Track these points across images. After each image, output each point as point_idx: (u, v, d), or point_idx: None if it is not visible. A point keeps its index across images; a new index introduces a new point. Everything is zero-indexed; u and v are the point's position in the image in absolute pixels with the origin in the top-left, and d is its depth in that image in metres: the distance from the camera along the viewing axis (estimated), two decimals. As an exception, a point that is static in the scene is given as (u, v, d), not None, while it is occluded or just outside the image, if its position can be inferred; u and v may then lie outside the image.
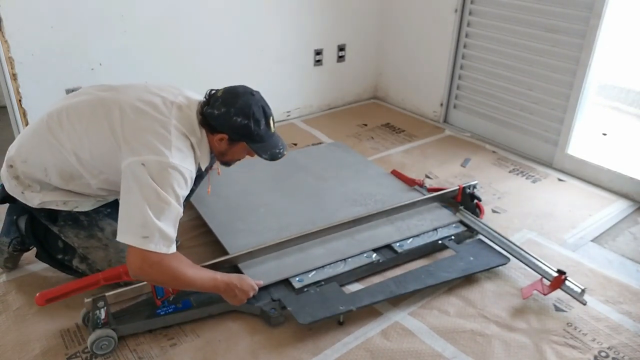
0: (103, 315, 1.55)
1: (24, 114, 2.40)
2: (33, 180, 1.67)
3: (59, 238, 1.79)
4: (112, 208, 1.79)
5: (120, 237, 1.46)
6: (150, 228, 1.44)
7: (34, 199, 1.68)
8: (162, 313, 1.65)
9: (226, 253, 1.88)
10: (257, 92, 1.69)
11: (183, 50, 2.77)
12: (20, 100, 2.37)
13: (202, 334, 1.66)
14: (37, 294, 1.54)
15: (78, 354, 1.58)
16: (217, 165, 1.92)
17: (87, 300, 1.53)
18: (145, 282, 1.62)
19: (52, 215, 1.73)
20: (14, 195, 1.71)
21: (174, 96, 1.66)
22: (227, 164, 1.81)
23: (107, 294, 1.55)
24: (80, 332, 1.65)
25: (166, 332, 1.66)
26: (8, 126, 2.54)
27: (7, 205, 1.86)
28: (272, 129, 1.70)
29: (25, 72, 2.34)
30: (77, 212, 1.74)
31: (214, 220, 2.08)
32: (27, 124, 2.42)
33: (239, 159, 1.80)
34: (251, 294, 1.67)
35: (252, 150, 1.69)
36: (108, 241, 1.75)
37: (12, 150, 1.72)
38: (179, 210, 1.52)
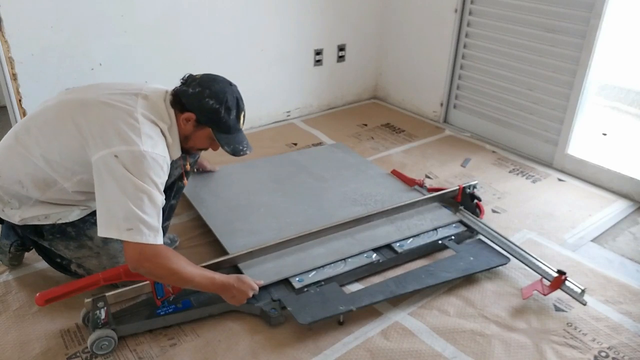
0: (103, 315, 1.55)
1: (24, 114, 2.40)
2: (11, 196, 1.65)
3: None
4: None
5: (102, 232, 1.44)
6: (132, 220, 1.43)
7: (14, 216, 1.66)
8: (162, 313, 1.65)
9: (226, 253, 1.88)
10: (235, 85, 1.69)
11: (183, 50, 2.77)
12: (20, 100, 2.37)
13: (202, 334, 1.66)
14: (37, 294, 1.53)
15: (78, 354, 1.58)
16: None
17: (87, 300, 1.53)
18: (145, 282, 1.62)
19: (38, 230, 1.70)
20: None
21: (138, 89, 1.65)
22: (188, 152, 1.76)
23: (107, 294, 1.55)
24: (80, 332, 1.65)
25: (166, 332, 1.66)
26: (8, 126, 2.53)
27: None
28: (241, 125, 1.70)
29: (25, 72, 2.34)
30: (62, 224, 1.69)
31: (214, 220, 2.08)
32: (27, 124, 2.42)
33: (201, 149, 1.77)
34: (250, 294, 1.67)
35: (216, 140, 1.67)
36: (99, 249, 1.73)
37: None
38: (160, 198, 1.50)
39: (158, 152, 1.53)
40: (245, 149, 1.71)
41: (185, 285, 1.57)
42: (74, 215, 1.71)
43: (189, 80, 1.66)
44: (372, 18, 3.49)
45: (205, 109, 1.61)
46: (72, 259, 1.74)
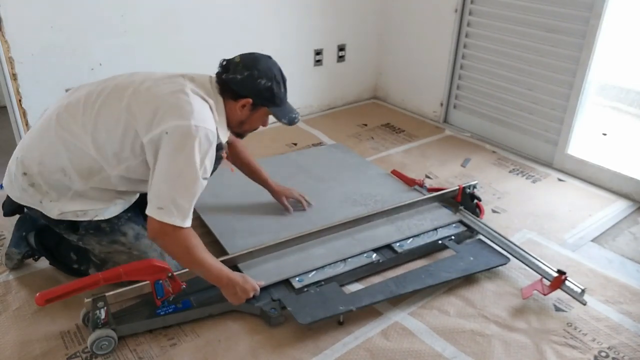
0: (103, 315, 1.55)
1: (24, 114, 2.40)
2: (51, 186, 1.61)
3: (72, 250, 1.80)
4: (132, 212, 1.77)
5: (148, 209, 1.48)
6: (164, 200, 1.46)
7: (52, 210, 1.63)
8: (162, 313, 1.65)
9: (226, 253, 1.88)
10: (270, 56, 1.71)
11: (183, 50, 2.76)
12: (20, 100, 2.37)
13: (202, 334, 1.66)
14: (37, 294, 1.53)
15: (78, 354, 1.58)
16: (229, 164, 1.91)
17: (87, 300, 1.53)
18: (145, 283, 1.62)
19: (73, 225, 1.68)
20: (32, 206, 1.65)
21: (182, 73, 1.65)
22: (241, 135, 1.79)
23: (107, 294, 1.55)
24: (80, 332, 1.65)
25: (166, 332, 1.66)
26: (8, 126, 2.54)
27: (17, 217, 1.85)
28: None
29: (25, 72, 2.34)
30: (98, 220, 1.68)
31: (214, 220, 2.08)
32: (27, 124, 2.42)
33: (255, 129, 1.78)
34: (251, 295, 1.67)
35: (274, 115, 1.69)
36: (131, 244, 1.73)
37: (21, 156, 1.63)
38: (200, 182, 1.51)
39: (208, 126, 1.52)
40: (297, 115, 1.74)
41: (195, 267, 1.57)
42: (109, 212, 1.70)
43: (230, 66, 1.63)
44: (372, 18, 3.49)
45: (259, 90, 1.62)
46: (101, 253, 1.73)
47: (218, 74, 1.66)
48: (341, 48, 3.44)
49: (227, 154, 1.93)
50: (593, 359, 1.62)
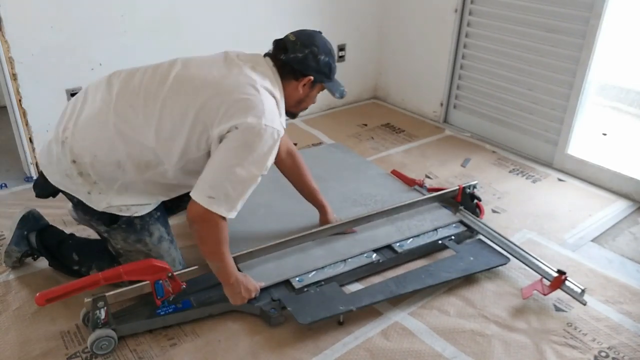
0: (103, 315, 1.55)
1: (24, 114, 2.40)
2: (100, 178, 1.58)
3: (73, 250, 1.80)
4: (160, 210, 1.76)
5: (193, 193, 1.49)
6: (217, 190, 1.47)
7: (100, 202, 1.61)
8: (162, 313, 1.65)
9: (226, 253, 1.88)
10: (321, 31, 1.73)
11: (183, 50, 2.73)
12: (20, 100, 2.37)
13: (202, 334, 1.66)
14: (37, 294, 1.53)
15: (78, 354, 1.58)
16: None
17: (87, 300, 1.53)
18: (145, 283, 1.62)
19: (111, 218, 1.65)
20: (74, 194, 1.61)
21: (238, 63, 1.62)
22: (294, 115, 1.80)
23: (107, 294, 1.55)
24: (80, 332, 1.65)
25: (166, 332, 1.66)
26: (8, 126, 2.54)
27: (19, 216, 1.85)
28: None
29: (25, 72, 2.34)
30: (135, 217, 1.67)
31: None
32: (27, 124, 2.42)
33: (307, 108, 1.80)
34: (253, 295, 1.68)
35: (328, 89, 1.72)
36: (153, 246, 1.73)
37: (71, 143, 1.56)
38: (257, 179, 1.53)
39: (276, 126, 1.53)
40: (344, 89, 1.77)
41: (214, 260, 1.60)
42: (147, 208, 1.69)
43: (288, 45, 1.64)
44: (372, 18, 3.49)
45: (320, 66, 1.65)
46: (122, 249, 1.72)
47: (274, 55, 1.67)
48: (341, 48, 3.43)
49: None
50: (593, 359, 1.62)
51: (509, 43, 2.87)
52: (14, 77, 2.32)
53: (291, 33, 1.68)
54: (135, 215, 1.67)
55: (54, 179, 1.63)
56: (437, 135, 3.19)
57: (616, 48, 2.63)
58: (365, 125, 3.29)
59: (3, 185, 2.47)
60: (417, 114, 3.48)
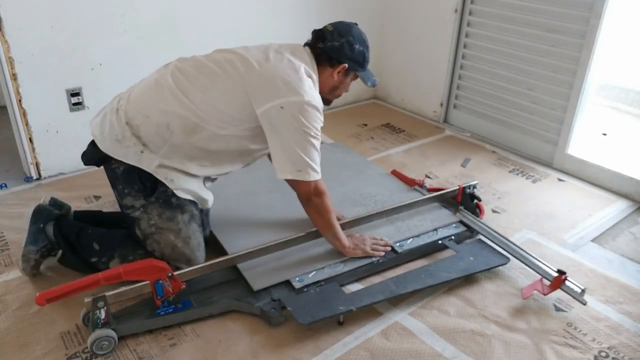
0: (103, 315, 1.55)
1: (24, 114, 2.40)
2: (150, 140, 1.68)
3: (94, 240, 1.81)
4: (195, 204, 1.83)
5: (280, 175, 1.71)
6: (302, 163, 1.68)
7: (153, 161, 1.69)
8: (162, 313, 1.65)
9: (226, 253, 1.88)
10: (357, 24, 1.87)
11: (183, 50, 2.73)
12: (20, 100, 2.37)
13: (202, 334, 1.66)
14: (37, 294, 1.54)
15: (78, 354, 1.58)
16: None
17: (87, 300, 1.53)
18: (145, 282, 1.62)
19: (153, 187, 1.74)
20: (126, 159, 1.69)
21: (280, 50, 1.77)
22: (329, 102, 1.90)
23: (107, 294, 1.55)
24: (80, 332, 1.65)
25: (166, 332, 1.66)
26: (8, 126, 2.54)
27: (20, 213, 1.87)
28: None
29: (25, 72, 2.34)
30: (171, 193, 1.74)
31: (214, 220, 2.08)
32: (27, 124, 2.42)
33: (340, 95, 1.92)
34: (379, 245, 1.94)
35: (362, 78, 1.85)
36: (183, 225, 1.77)
37: (125, 107, 1.71)
38: (319, 142, 1.71)
39: (317, 100, 1.71)
40: (376, 78, 1.91)
41: (330, 228, 1.84)
42: (190, 183, 1.77)
43: (326, 35, 1.78)
44: (372, 18, 3.49)
45: (355, 55, 1.78)
46: (154, 226, 1.76)
47: (312, 44, 1.81)
48: (341, 48, 3.43)
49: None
50: (593, 359, 1.62)
51: (509, 43, 2.87)
52: (14, 77, 2.32)
53: (330, 24, 1.82)
54: (177, 191, 1.74)
55: (104, 146, 1.72)
56: (437, 135, 3.19)
57: (616, 48, 2.63)
58: (365, 125, 3.29)
59: (3, 185, 2.47)
60: (417, 114, 3.48)
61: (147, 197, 1.75)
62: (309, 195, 1.76)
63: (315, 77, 1.77)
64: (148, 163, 1.70)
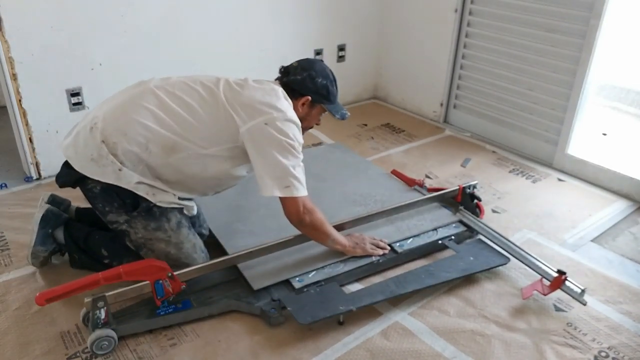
0: (103, 315, 1.55)
1: (24, 114, 2.40)
2: (127, 158, 1.65)
3: (102, 245, 1.82)
4: (179, 209, 1.80)
5: (266, 192, 1.67)
6: (288, 178, 1.66)
7: (132, 177, 1.66)
8: (162, 313, 1.65)
9: (226, 253, 1.88)
10: (323, 60, 1.91)
11: (183, 51, 2.76)
12: (20, 100, 2.37)
13: (202, 334, 1.66)
14: (37, 294, 1.54)
15: (78, 354, 1.58)
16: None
17: (87, 300, 1.53)
18: (145, 283, 1.62)
19: (134, 203, 1.70)
20: (103, 179, 1.65)
21: (256, 80, 1.83)
22: (307, 129, 1.93)
23: (107, 294, 1.55)
24: (80, 332, 1.65)
25: (166, 332, 1.66)
26: (8, 126, 2.54)
27: (25, 214, 1.90)
28: None
29: (25, 72, 2.34)
30: (154, 205, 1.72)
31: (214, 220, 2.08)
32: (27, 124, 2.42)
33: (311, 127, 1.96)
34: (377, 245, 1.94)
35: (329, 111, 1.89)
36: (172, 232, 1.75)
37: (102, 126, 1.66)
38: (299, 154, 1.72)
39: (297, 120, 1.75)
40: (346, 112, 1.94)
41: (327, 239, 1.84)
42: (171, 197, 1.74)
43: (290, 70, 1.85)
44: (372, 18, 3.49)
45: (317, 88, 1.83)
46: (143, 238, 1.74)
47: (279, 79, 1.87)
48: (341, 48, 3.44)
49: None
50: (593, 359, 1.62)
51: (509, 43, 2.87)
52: (14, 77, 2.32)
53: (296, 60, 1.88)
54: (159, 203, 1.71)
55: (79, 165, 1.69)
56: (437, 135, 3.19)
57: (616, 48, 2.63)
58: (365, 125, 3.29)
59: (3, 185, 2.47)
60: (417, 114, 3.48)
61: (128, 213, 1.71)
62: (300, 215, 1.73)
63: (291, 103, 1.80)
64: (127, 180, 1.66)
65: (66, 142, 1.75)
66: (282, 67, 1.89)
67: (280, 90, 1.78)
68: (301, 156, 1.72)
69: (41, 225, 1.83)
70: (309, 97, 1.83)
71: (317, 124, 1.96)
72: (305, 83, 1.82)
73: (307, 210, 1.73)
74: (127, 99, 1.72)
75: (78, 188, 1.76)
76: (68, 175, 1.73)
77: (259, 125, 1.66)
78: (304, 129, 1.87)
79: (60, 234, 1.86)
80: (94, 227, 1.90)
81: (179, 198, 1.78)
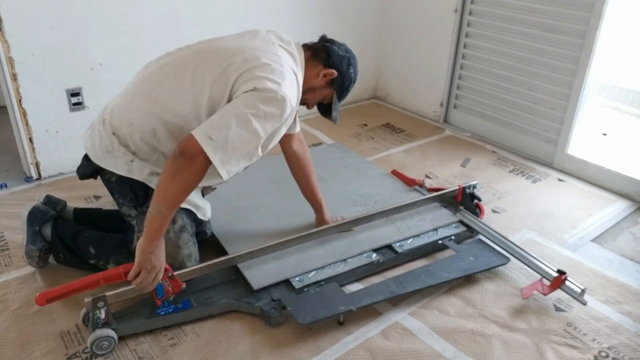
0: (103, 315, 1.55)
1: (24, 114, 2.40)
2: (139, 148, 1.62)
3: (90, 244, 1.80)
4: (187, 212, 1.76)
5: (194, 131, 1.44)
6: (219, 133, 1.43)
7: (143, 169, 1.64)
8: (162, 313, 1.65)
9: (226, 253, 1.88)
10: None
11: (183, 50, 2.76)
12: (20, 100, 2.37)
13: (202, 334, 1.66)
14: (37, 294, 1.53)
15: (78, 354, 1.58)
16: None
17: (87, 300, 1.53)
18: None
19: (145, 196, 1.67)
20: (117, 170, 1.62)
21: (268, 37, 1.68)
22: (305, 103, 1.80)
23: (107, 294, 1.55)
24: (80, 332, 1.65)
25: (166, 332, 1.66)
26: (8, 126, 2.54)
27: (24, 214, 1.85)
28: None
29: (25, 72, 2.34)
30: None
31: (214, 220, 2.08)
32: (27, 124, 2.42)
33: (312, 104, 1.82)
34: (155, 271, 1.53)
35: (333, 103, 1.78)
36: (173, 234, 1.73)
37: (110, 118, 1.64)
38: (255, 141, 1.49)
39: (291, 99, 1.55)
40: (337, 116, 1.85)
41: (165, 203, 1.46)
42: None
43: (335, 41, 1.79)
44: (372, 18, 3.49)
45: (346, 74, 1.75)
46: None
47: (315, 43, 1.78)
48: (341, 48, 3.43)
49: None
50: (593, 359, 1.62)
51: (509, 43, 2.87)
52: (14, 77, 2.32)
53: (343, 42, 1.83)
54: None
55: (95, 157, 1.69)
56: (437, 135, 3.19)
57: (616, 48, 2.63)
58: (365, 125, 3.29)
59: (3, 185, 2.47)
60: (417, 114, 3.48)
61: (137, 208, 1.71)
62: (184, 150, 1.42)
63: (300, 76, 1.67)
64: (139, 172, 1.64)
65: (86, 135, 1.77)
66: (325, 36, 1.82)
67: (287, 65, 1.59)
68: (260, 135, 1.49)
69: (29, 223, 1.83)
70: (335, 74, 1.72)
71: (310, 106, 1.82)
72: (343, 62, 1.74)
73: (192, 156, 1.42)
74: (131, 87, 1.70)
75: (99, 177, 1.76)
76: (87, 167, 1.74)
77: (248, 88, 1.51)
78: (306, 100, 1.78)
79: (47, 231, 1.84)
80: (88, 227, 1.89)
81: (206, 188, 1.75)
